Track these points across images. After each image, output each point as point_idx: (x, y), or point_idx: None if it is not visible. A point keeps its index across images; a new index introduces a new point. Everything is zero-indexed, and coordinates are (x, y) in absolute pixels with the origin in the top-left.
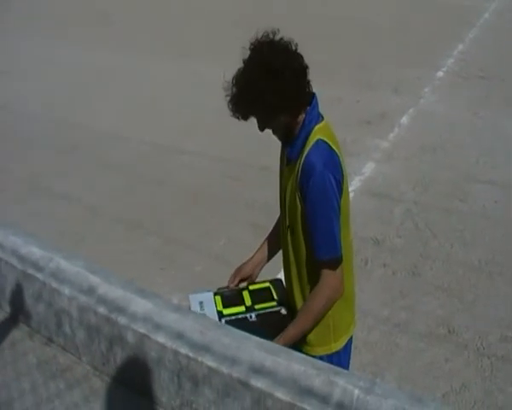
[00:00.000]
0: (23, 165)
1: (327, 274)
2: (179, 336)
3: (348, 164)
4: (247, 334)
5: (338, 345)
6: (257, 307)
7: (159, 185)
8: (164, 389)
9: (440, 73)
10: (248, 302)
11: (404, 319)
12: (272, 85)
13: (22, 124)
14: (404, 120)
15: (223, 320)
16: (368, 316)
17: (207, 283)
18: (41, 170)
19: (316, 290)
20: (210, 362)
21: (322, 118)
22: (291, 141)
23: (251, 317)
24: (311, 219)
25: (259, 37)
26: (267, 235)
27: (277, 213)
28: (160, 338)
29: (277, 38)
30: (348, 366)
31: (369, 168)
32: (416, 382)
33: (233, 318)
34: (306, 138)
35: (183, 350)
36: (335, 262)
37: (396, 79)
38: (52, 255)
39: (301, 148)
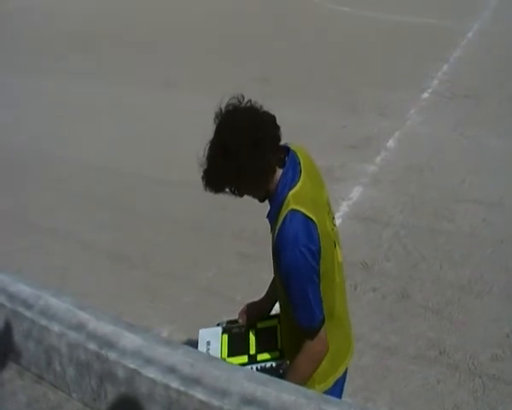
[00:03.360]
0: (8, 199)
1: (308, 341)
2: (170, 370)
3: (335, 189)
4: (236, 365)
5: (324, 386)
6: (259, 357)
7: (145, 217)
8: None
9: (426, 95)
10: (252, 350)
11: (395, 343)
12: (230, 164)
13: (7, 158)
14: (391, 143)
15: None
16: (358, 341)
17: (197, 314)
18: (27, 204)
19: (300, 356)
20: (200, 395)
21: (299, 176)
22: (270, 201)
23: (252, 368)
24: (286, 291)
25: (223, 107)
26: None
27: (266, 242)
28: (151, 373)
29: (241, 105)
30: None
31: (356, 193)
32: (409, 405)
33: None
34: (280, 207)
35: (174, 384)
36: (314, 329)
37: (381, 102)
38: (41, 293)
39: (277, 215)
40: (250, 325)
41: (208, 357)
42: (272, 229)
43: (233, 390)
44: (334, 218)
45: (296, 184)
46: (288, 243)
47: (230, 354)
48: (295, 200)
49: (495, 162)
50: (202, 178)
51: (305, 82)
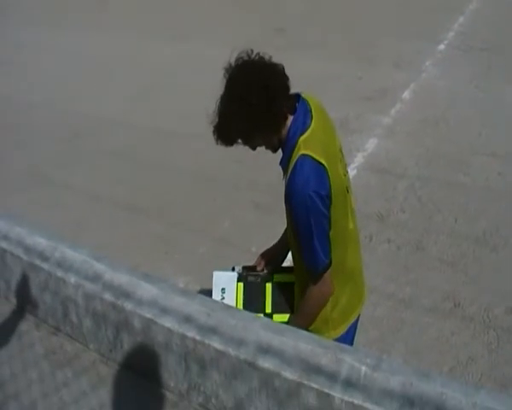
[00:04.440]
0: (24, 155)
1: (313, 283)
2: (186, 319)
3: (351, 141)
4: (253, 314)
5: (337, 332)
6: (275, 318)
7: (160, 170)
8: (171, 373)
9: (441, 47)
10: (268, 309)
11: (410, 294)
12: (242, 113)
13: (22, 114)
14: (406, 94)
15: None
16: (373, 292)
17: (213, 265)
18: (42, 159)
19: (305, 298)
20: (217, 344)
21: (310, 122)
22: (282, 148)
23: None
24: (295, 234)
25: (232, 60)
26: None
27: (281, 193)
28: (167, 323)
29: (250, 59)
30: None
31: (371, 144)
32: (423, 357)
33: None
34: (291, 152)
35: (190, 334)
36: (319, 272)
37: (397, 54)
38: (57, 245)
39: (288, 160)
40: (266, 275)
41: (224, 306)
42: (284, 175)
43: (249, 339)
44: (346, 165)
45: (307, 129)
46: (298, 188)
47: (245, 308)
48: (306, 145)
49: (511, 115)
50: (213, 132)
51: (319, 33)
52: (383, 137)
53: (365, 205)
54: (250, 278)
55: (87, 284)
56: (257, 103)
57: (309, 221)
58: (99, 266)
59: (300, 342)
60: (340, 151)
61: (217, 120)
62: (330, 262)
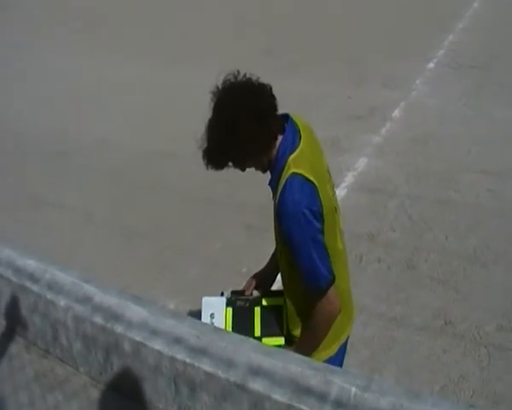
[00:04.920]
0: (16, 175)
1: (317, 302)
2: (176, 341)
3: (341, 160)
4: (243, 337)
5: (327, 353)
6: (264, 340)
7: (152, 190)
8: (161, 395)
9: (431, 65)
10: (257, 332)
11: (401, 313)
12: (231, 139)
13: (13, 134)
14: (396, 113)
15: None
16: (364, 311)
17: (204, 287)
18: (34, 179)
19: (311, 321)
20: (207, 367)
21: (299, 141)
22: (271, 168)
23: None
24: (292, 254)
25: (219, 83)
26: None
27: (270, 214)
28: (157, 345)
29: (237, 80)
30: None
31: (361, 163)
32: (414, 375)
33: None
34: (281, 171)
35: (180, 356)
36: (322, 289)
37: (386, 73)
38: (47, 267)
39: (278, 180)
40: (255, 299)
41: (214, 328)
42: (274, 195)
43: (239, 361)
44: (333, 186)
45: (296, 148)
46: (290, 206)
47: (235, 332)
48: (295, 164)
49: (500, 133)
50: (203, 157)
51: (308, 53)
52: (373, 157)
53: (355, 225)
54: (239, 303)
55: (77, 307)
56: (246, 128)
57: (305, 239)
58: (89, 289)
59: (290, 364)
60: (328, 172)
61: (206, 145)
62: (334, 278)
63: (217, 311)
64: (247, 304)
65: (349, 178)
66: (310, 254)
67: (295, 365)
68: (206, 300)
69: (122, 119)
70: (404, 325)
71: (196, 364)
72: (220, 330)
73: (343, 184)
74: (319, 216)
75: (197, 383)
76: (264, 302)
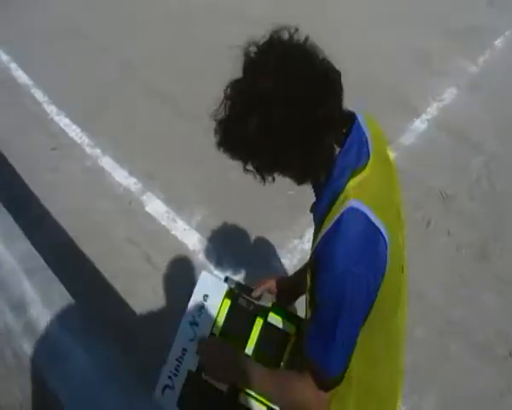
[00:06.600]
0: None
1: (310, 382)
2: None
3: (427, 85)
4: None
5: None
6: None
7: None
8: None
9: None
10: (250, 347)
11: (458, 319)
12: (264, 141)
13: None
14: (499, 42)
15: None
16: (417, 301)
17: None
18: None
19: (292, 386)
20: None
21: (367, 160)
22: (317, 189)
23: None
24: (314, 318)
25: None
26: None
27: None
28: None
29: (294, 43)
30: None
31: (450, 94)
32: None
33: None
34: (334, 199)
35: None
36: (325, 379)
37: None
38: None
39: (327, 210)
40: (262, 307)
41: None
42: (317, 227)
43: None
44: (404, 228)
45: (361, 170)
46: (339, 263)
47: (224, 332)
48: (357, 193)
49: None
50: (215, 132)
51: None
52: (464, 89)
53: (429, 173)
54: (241, 301)
55: None
56: (295, 135)
57: (338, 307)
58: None
59: None
60: (400, 209)
61: (223, 124)
62: (342, 374)
63: (213, 295)
64: (251, 308)
65: (433, 109)
66: (334, 328)
67: None
68: (205, 275)
69: None
70: (460, 337)
71: None
72: None
73: (424, 116)
74: (376, 283)
75: None
76: (271, 318)
